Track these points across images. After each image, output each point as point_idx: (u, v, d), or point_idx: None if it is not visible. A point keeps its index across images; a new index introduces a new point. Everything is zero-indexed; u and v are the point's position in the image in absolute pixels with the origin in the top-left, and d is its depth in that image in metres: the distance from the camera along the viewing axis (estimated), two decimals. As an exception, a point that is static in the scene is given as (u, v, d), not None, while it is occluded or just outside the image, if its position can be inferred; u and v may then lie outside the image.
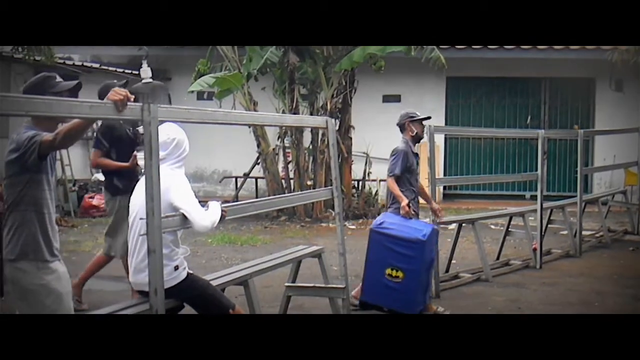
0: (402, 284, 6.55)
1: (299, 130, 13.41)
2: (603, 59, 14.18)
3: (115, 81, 7.00)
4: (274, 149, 14.02)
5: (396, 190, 6.91)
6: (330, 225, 12.52)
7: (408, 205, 6.79)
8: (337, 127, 12.98)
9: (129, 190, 6.43)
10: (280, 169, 14.15)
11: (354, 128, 13.96)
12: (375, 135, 15.19)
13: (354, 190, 14.38)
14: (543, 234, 9.72)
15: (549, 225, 10.79)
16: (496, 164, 16.99)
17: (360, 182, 14.45)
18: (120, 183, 6.68)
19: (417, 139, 7.27)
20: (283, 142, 14.00)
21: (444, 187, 16.37)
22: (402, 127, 7.30)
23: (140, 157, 6.39)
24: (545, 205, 9.84)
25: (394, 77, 15.75)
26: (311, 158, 13.54)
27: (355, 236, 11.69)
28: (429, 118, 7.57)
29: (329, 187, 6.37)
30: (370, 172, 14.37)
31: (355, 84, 13.84)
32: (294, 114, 12.92)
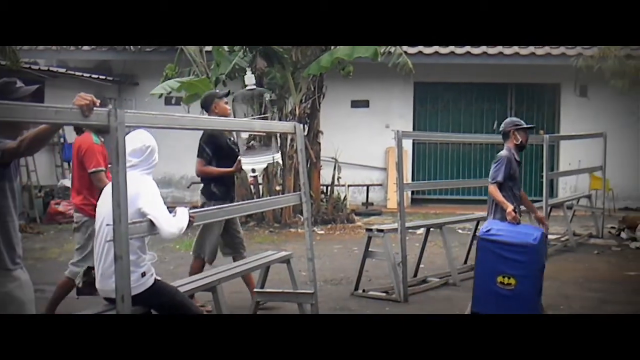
0: (515, 291, 6.26)
1: (267, 135, 13.37)
2: (568, 65, 14.35)
3: (218, 91, 7.17)
4: (242, 154, 13.97)
5: (499, 196, 6.71)
6: (299, 230, 12.51)
7: (514, 210, 6.58)
8: (305, 133, 12.99)
9: (226, 197, 6.89)
10: (248, 175, 14.10)
11: (322, 133, 13.97)
12: (344, 140, 15.27)
13: (322, 196, 14.37)
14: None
15: (516, 230, 10.85)
16: (463, 169, 17.10)
17: (329, 187, 14.45)
18: (217, 189, 6.97)
19: (521, 147, 7.11)
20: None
21: (412, 192, 16.44)
22: (506, 134, 7.10)
23: (244, 162, 6.86)
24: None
25: (362, 83, 15.79)
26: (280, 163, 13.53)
27: (323, 241, 11.70)
28: (534, 127, 7.42)
29: (298, 193, 6.37)
30: (339, 177, 14.39)
31: (324, 89, 13.86)
32: (263, 119, 12.89)
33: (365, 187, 16.04)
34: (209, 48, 13.26)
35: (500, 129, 7.21)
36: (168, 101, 15.25)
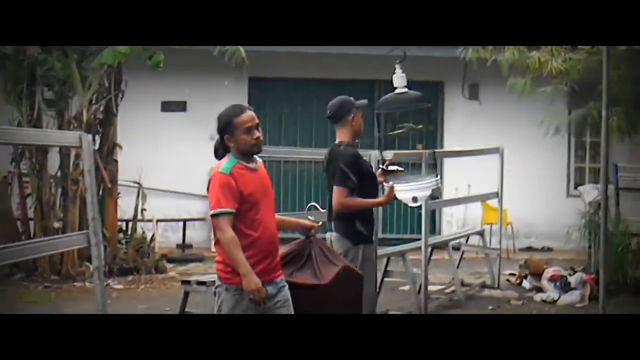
0: None
1: (42, 150, 13.15)
2: (454, 58, 14.80)
3: (352, 98, 7.31)
4: (5, 177, 13.68)
5: None
6: (87, 284, 12.34)
7: None
8: (96, 146, 12.87)
9: (371, 237, 7.03)
10: (14, 206, 13.81)
11: (121, 148, 13.87)
12: (152, 158, 15.18)
13: (121, 235, 14.26)
14: (378, 290, 10.02)
15: (385, 279, 11.04)
16: (315, 194, 17.13)
17: (131, 224, 14.34)
18: (363, 228, 7.00)
19: None
20: (18, 167, 13.67)
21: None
22: None
23: (398, 189, 6.83)
24: (380, 251, 10.13)
25: (177, 78, 15.81)
26: (59, 190, 13.32)
27: (122, 300, 11.59)
28: None
29: (85, 231, 6.34)
30: (145, 209, 14.30)
31: (123, 85, 13.76)
32: (35, 126, 12.67)
33: (181, 223, 16.02)
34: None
35: None
36: None
